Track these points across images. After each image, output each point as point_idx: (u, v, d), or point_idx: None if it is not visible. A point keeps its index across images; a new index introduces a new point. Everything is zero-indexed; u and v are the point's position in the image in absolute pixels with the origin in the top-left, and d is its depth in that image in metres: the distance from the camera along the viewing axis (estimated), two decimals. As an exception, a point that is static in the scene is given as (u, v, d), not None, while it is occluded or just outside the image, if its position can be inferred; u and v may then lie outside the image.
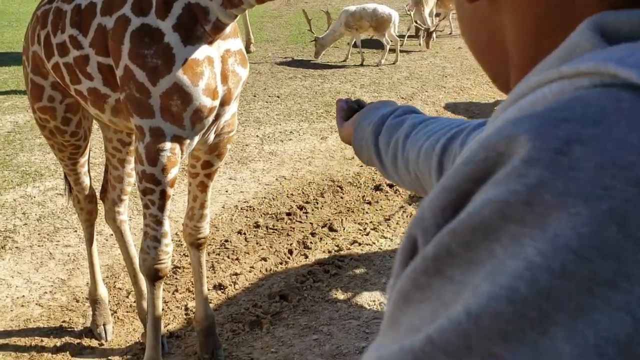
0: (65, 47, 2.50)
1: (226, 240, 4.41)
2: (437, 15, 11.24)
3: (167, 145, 2.34)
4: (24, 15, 12.84)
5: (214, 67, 2.32)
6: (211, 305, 3.34)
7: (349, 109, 1.24)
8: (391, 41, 9.47)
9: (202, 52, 2.26)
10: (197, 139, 2.45)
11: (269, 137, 6.50)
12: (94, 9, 2.38)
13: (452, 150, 0.86)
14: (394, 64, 9.48)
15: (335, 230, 4.52)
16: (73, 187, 3.25)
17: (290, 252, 4.25)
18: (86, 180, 3.23)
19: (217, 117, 2.46)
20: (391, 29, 9.38)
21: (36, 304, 3.69)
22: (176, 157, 2.39)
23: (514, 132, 0.31)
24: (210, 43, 2.28)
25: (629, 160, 0.28)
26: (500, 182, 0.30)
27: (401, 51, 10.14)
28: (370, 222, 4.67)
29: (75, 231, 4.50)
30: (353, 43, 9.72)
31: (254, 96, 7.88)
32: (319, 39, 9.58)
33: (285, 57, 10.07)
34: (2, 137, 6.31)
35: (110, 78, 2.41)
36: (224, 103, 2.43)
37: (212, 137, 2.60)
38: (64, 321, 3.54)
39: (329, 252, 4.25)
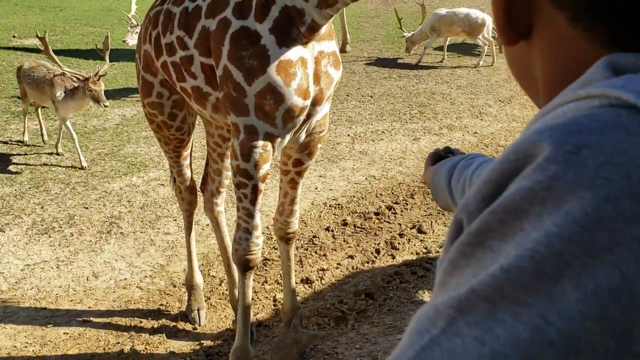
0: (173, 47, 2.66)
1: (314, 236, 4.50)
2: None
3: (260, 142, 2.45)
4: (134, 14, 13.59)
5: (307, 68, 2.39)
6: (298, 299, 3.44)
7: (435, 155, 1.34)
8: (487, 43, 9.26)
9: (295, 53, 2.33)
10: (288, 137, 2.53)
11: (360, 136, 6.55)
12: (199, 12, 2.51)
13: None
14: (491, 65, 9.27)
15: (425, 233, 4.51)
16: (176, 178, 3.44)
17: (378, 251, 4.28)
18: (188, 173, 3.41)
19: (309, 116, 2.53)
20: (485, 32, 9.17)
21: (137, 286, 3.93)
22: (268, 154, 2.49)
23: (538, 139, 0.41)
24: (304, 44, 2.35)
25: (621, 160, 0.38)
26: (527, 175, 0.40)
27: (498, 53, 9.92)
28: (460, 225, 4.62)
29: (175, 220, 4.75)
30: (431, 44, 9.59)
31: (347, 95, 7.96)
32: (408, 36, 9.59)
33: (381, 57, 10.08)
34: (110, 130, 6.74)
35: (212, 77, 2.54)
36: (315, 103, 2.50)
37: (303, 136, 2.68)
38: (161, 304, 3.76)
39: (417, 254, 4.25)
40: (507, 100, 7.74)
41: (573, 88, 0.46)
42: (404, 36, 9.74)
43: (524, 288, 0.36)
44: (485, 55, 9.39)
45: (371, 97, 7.94)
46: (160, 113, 3.08)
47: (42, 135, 6.29)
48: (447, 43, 9.73)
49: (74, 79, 5.72)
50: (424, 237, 4.46)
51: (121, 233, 4.57)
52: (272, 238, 4.37)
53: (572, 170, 0.38)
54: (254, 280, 3.89)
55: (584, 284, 0.35)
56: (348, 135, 6.58)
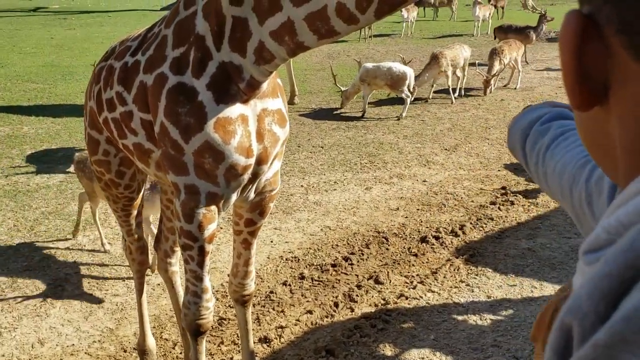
0: (112, 102, 2.58)
1: (271, 292, 4.40)
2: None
3: (202, 202, 2.36)
4: (76, 69, 13.39)
5: (248, 126, 2.32)
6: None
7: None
8: (410, 96, 9.46)
9: (235, 110, 2.27)
10: (234, 196, 2.45)
11: (313, 187, 6.54)
12: (138, 66, 2.45)
13: (580, 182, 0.89)
14: (397, 119, 9.40)
15: (382, 283, 4.47)
16: (125, 237, 3.32)
17: (336, 305, 4.21)
18: (138, 232, 3.29)
19: (255, 175, 2.46)
20: (406, 86, 9.38)
21: (85, 352, 3.72)
22: (212, 214, 2.40)
23: None
24: (245, 102, 2.29)
25: None
26: None
27: (441, 104, 10.21)
28: (417, 274, 4.61)
29: (124, 280, 4.56)
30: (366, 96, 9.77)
31: (298, 146, 7.98)
32: (344, 91, 9.86)
33: (329, 108, 10.21)
34: (54, 187, 6.51)
35: (153, 133, 2.45)
36: (260, 162, 2.42)
37: (252, 195, 2.60)
38: (111, 371, 3.56)
39: (376, 305, 4.19)
40: (452, 148, 7.91)
41: None
42: (340, 91, 9.97)
43: None
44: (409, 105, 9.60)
45: (322, 147, 7.98)
46: (107, 171, 2.98)
47: (102, 243, 5.09)
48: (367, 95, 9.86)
49: None
50: (381, 288, 4.42)
51: (67, 296, 4.36)
52: (227, 296, 4.24)
53: None
54: (209, 341, 3.75)
55: None
56: (301, 186, 6.56)
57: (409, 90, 9.46)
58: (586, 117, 0.51)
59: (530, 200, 5.96)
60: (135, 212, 3.20)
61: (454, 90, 10.57)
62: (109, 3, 30.92)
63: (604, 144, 0.51)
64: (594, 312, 0.35)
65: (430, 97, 10.56)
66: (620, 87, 0.46)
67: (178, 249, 3.38)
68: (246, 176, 2.39)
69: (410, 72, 9.47)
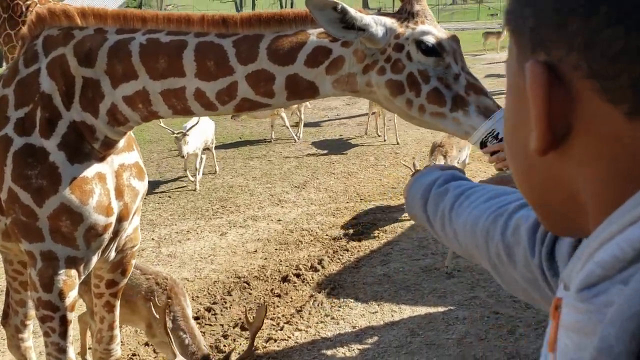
0: None
1: (134, 354, 4.17)
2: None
3: (61, 268, 2.23)
4: None
5: (107, 183, 2.25)
6: None
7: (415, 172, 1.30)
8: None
9: (91, 169, 2.19)
10: (95, 258, 2.35)
11: (165, 238, 6.34)
12: None
13: (495, 236, 0.93)
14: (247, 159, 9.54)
15: (248, 329, 4.42)
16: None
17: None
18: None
19: (116, 233, 2.38)
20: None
21: None
22: (73, 280, 2.27)
23: None
24: (101, 159, 2.23)
25: None
26: None
27: (285, 143, 10.46)
28: (283, 315, 4.62)
29: (-38, 366, 4.08)
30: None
31: (145, 198, 7.71)
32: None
33: (171, 156, 10.01)
34: None
35: None
36: (121, 219, 2.36)
37: (113, 254, 2.51)
38: None
39: (245, 352, 4.13)
40: (301, 185, 8.11)
41: (637, 202, 0.42)
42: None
43: None
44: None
45: (169, 197, 7.79)
46: None
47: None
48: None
49: None
50: (248, 335, 4.36)
51: None
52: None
53: None
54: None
55: None
56: (152, 239, 6.33)
57: None
58: (538, 161, 0.52)
59: (380, 229, 6.26)
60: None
61: (295, 129, 10.84)
62: None
63: (555, 188, 0.52)
64: (626, 352, 0.38)
65: (273, 137, 10.77)
66: (586, 129, 0.47)
67: (30, 322, 3.10)
68: (107, 235, 2.30)
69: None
